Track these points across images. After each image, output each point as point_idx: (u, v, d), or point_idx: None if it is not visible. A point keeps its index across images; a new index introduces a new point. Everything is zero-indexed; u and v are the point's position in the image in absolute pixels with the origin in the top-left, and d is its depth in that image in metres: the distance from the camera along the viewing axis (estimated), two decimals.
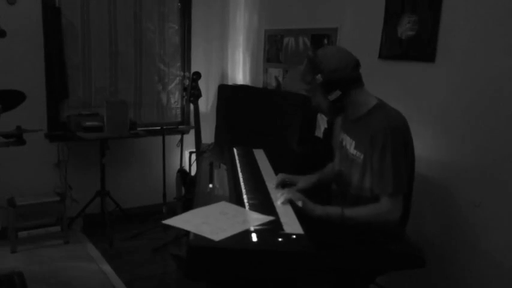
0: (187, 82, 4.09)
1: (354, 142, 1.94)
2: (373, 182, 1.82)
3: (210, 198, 1.88)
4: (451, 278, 2.42)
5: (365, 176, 1.86)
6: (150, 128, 3.96)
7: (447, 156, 2.41)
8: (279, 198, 1.87)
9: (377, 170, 1.79)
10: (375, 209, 1.79)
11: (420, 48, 2.50)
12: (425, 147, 2.50)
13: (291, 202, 1.84)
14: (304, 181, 2.17)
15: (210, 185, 2.04)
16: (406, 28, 2.57)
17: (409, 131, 1.86)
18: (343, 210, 1.81)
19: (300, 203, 1.83)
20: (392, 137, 1.76)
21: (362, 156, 1.86)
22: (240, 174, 2.20)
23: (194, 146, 3.35)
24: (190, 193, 3.37)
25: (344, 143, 2.04)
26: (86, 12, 3.62)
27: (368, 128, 1.84)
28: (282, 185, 2.09)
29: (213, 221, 1.61)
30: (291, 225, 1.63)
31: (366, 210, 1.80)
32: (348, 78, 1.84)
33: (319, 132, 3.13)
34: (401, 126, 1.83)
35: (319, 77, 1.81)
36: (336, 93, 1.83)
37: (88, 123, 3.46)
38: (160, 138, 3.90)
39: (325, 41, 3.16)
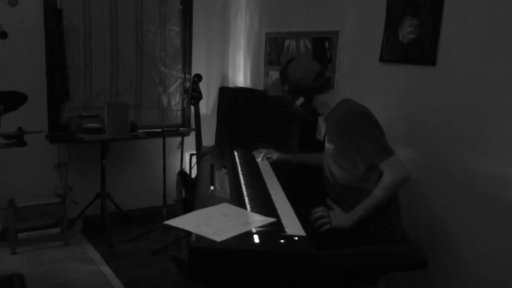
0: (188, 84, 4.09)
1: (327, 137, 2.16)
2: (361, 161, 1.93)
3: (211, 200, 1.88)
4: (452, 281, 2.42)
5: (340, 166, 2.01)
6: (151, 130, 3.96)
7: (447, 159, 2.41)
8: (314, 217, 1.97)
9: (356, 153, 1.92)
10: (383, 182, 1.88)
11: (421, 51, 2.50)
12: (426, 150, 2.51)
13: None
14: (277, 155, 2.59)
15: (211, 187, 2.04)
16: (407, 31, 2.58)
17: (373, 116, 2.00)
18: (354, 213, 1.91)
19: (332, 223, 1.92)
20: (356, 118, 1.94)
21: (332, 146, 2.04)
22: (241, 177, 2.20)
23: (195, 148, 3.34)
24: (190, 195, 3.37)
25: (325, 141, 2.21)
26: (88, 14, 3.63)
27: (333, 120, 2.05)
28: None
29: (215, 222, 1.61)
30: (293, 226, 1.63)
31: (380, 189, 1.89)
32: (310, 86, 2.08)
33: (320, 135, 3.13)
34: (363, 110, 1.99)
35: (285, 87, 2.14)
36: (300, 100, 2.12)
37: (89, 125, 3.46)
38: (160, 140, 3.90)
39: (327, 44, 3.16)
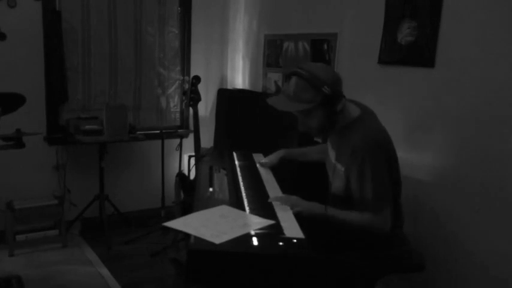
0: (186, 86, 4.09)
1: (335, 153, 1.94)
2: (354, 198, 1.83)
3: (210, 202, 1.88)
4: (450, 282, 2.42)
5: (347, 187, 1.87)
6: (149, 132, 3.96)
7: (446, 161, 2.42)
8: (282, 209, 1.86)
9: (357, 188, 1.80)
10: (359, 218, 1.80)
11: (420, 53, 2.50)
12: (424, 152, 2.51)
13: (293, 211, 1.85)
14: (269, 157, 2.43)
15: (210, 189, 2.04)
16: (405, 33, 2.58)
17: (390, 145, 1.88)
18: (327, 210, 1.83)
19: (298, 208, 1.84)
20: (369, 153, 1.77)
21: (343, 169, 1.87)
22: (240, 179, 2.20)
23: (193, 150, 3.34)
24: (189, 197, 3.36)
25: (329, 153, 2.05)
26: (86, 15, 3.63)
27: (348, 141, 1.83)
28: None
29: (214, 224, 1.60)
30: (292, 229, 1.63)
31: (351, 217, 1.81)
32: (341, 89, 1.84)
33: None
34: (382, 141, 1.83)
35: (325, 88, 1.75)
36: (343, 102, 1.81)
37: (87, 127, 3.46)
38: (159, 142, 3.90)
39: (325, 46, 3.17)
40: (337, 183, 1.93)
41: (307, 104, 1.79)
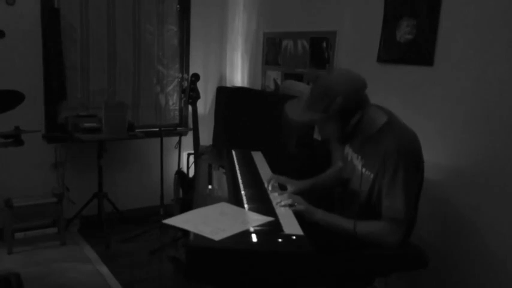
0: (185, 84, 4.10)
1: (363, 161, 1.88)
2: (382, 204, 1.78)
3: (209, 200, 1.88)
4: (451, 280, 2.42)
5: (373, 193, 1.84)
6: (148, 130, 3.96)
7: (446, 159, 2.42)
8: (278, 202, 1.86)
9: (387, 194, 1.76)
10: (376, 228, 1.77)
11: (418, 51, 2.51)
12: (424, 150, 2.50)
13: (290, 207, 1.84)
14: (295, 186, 2.11)
15: (209, 187, 2.04)
16: (404, 32, 2.58)
17: (420, 150, 1.83)
18: (343, 222, 1.80)
19: (301, 207, 1.83)
20: (405, 161, 1.72)
21: (372, 176, 1.82)
22: (239, 176, 2.20)
23: (192, 148, 3.34)
24: (188, 195, 3.37)
25: (350, 158, 2.00)
26: (85, 13, 3.62)
27: (379, 148, 1.77)
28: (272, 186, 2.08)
29: (213, 221, 1.61)
30: (291, 226, 1.63)
31: (367, 228, 1.77)
32: (364, 98, 1.77)
33: (318, 135, 3.14)
34: (413, 148, 1.79)
35: (339, 99, 1.68)
36: (358, 115, 1.73)
37: (86, 125, 3.46)
38: (158, 140, 3.89)
39: (324, 45, 3.17)
40: (364, 190, 1.87)
41: (320, 114, 1.74)
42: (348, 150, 2.04)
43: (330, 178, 2.23)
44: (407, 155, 1.73)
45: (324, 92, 1.73)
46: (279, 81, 3.65)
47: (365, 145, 1.85)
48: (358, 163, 1.93)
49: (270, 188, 2.06)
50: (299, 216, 1.77)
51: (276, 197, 1.93)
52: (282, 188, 2.14)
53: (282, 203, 1.85)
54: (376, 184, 1.81)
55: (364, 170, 1.86)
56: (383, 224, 1.76)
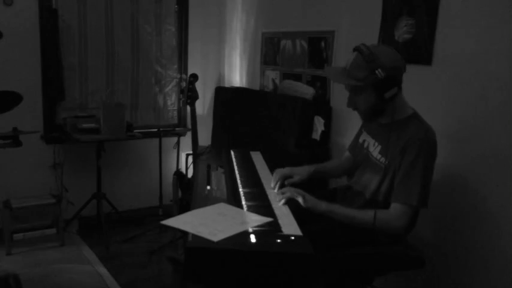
0: (184, 84, 4.09)
1: (380, 147, 1.90)
2: (396, 188, 1.79)
3: (207, 200, 1.88)
4: (448, 280, 2.43)
5: (384, 181, 1.85)
6: (147, 130, 3.95)
7: (443, 158, 2.42)
8: (278, 198, 1.86)
9: (404, 177, 1.76)
10: (382, 213, 1.76)
11: (417, 51, 2.51)
12: None
13: (293, 200, 1.83)
14: (300, 173, 2.11)
15: (208, 187, 2.04)
16: (403, 31, 2.58)
17: (437, 148, 1.85)
18: (354, 212, 1.80)
19: (300, 200, 1.82)
20: (427, 150, 1.76)
21: (386, 162, 1.84)
22: (238, 177, 2.20)
23: (191, 148, 3.34)
24: (186, 195, 3.36)
25: (366, 145, 2.01)
26: (83, 13, 3.62)
27: (402, 136, 1.80)
28: (281, 184, 2.06)
29: (211, 222, 1.60)
30: (290, 226, 1.63)
31: (377, 214, 1.76)
32: (401, 79, 1.79)
33: (316, 135, 3.14)
34: (434, 141, 1.83)
35: (379, 71, 1.71)
36: (393, 91, 1.75)
37: (84, 125, 3.45)
38: (156, 140, 3.89)
39: (323, 44, 3.17)
40: (373, 178, 1.89)
41: (358, 82, 1.78)
42: (366, 137, 2.04)
43: (332, 168, 2.26)
44: (430, 144, 1.78)
45: (366, 61, 1.75)
46: (277, 81, 3.64)
47: (386, 132, 1.86)
48: (373, 149, 1.94)
49: (276, 189, 2.03)
50: (298, 215, 1.77)
51: (277, 193, 1.93)
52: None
53: (283, 199, 1.85)
54: (389, 171, 1.82)
55: (379, 156, 1.88)
56: (392, 208, 1.77)
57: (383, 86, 1.74)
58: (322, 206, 1.82)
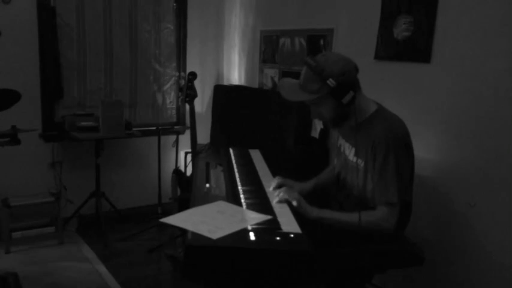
0: (182, 82, 4.09)
1: (354, 149, 1.92)
2: (375, 190, 1.81)
3: (207, 198, 1.88)
4: (447, 277, 2.43)
5: (366, 182, 1.86)
6: (146, 128, 3.95)
7: (442, 156, 2.42)
8: (275, 198, 1.87)
9: (379, 179, 1.79)
10: (370, 216, 1.78)
11: (416, 49, 2.51)
12: (421, 147, 2.51)
13: (287, 202, 1.85)
14: (300, 187, 2.12)
15: (207, 185, 2.04)
16: (402, 29, 2.58)
17: (409, 137, 1.86)
18: (342, 216, 1.81)
19: (295, 203, 1.83)
20: (394, 146, 1.76)
21: (363, 163, 1.85)
22: (237, 175, 2.20)
23: (190, 146, 3.34)
24: (185, 193, 3.36)
25: (342, 149, 2.03)
26: (81, 12, 3.61)
27: (369, 135, 1.82)
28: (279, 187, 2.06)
29: (211, 220, 1.60)
30: (289, 224, 1.63)
31: (366, 217, 1.77)
32: (355, 80, 1.82)
33: (315, 133, 3.14)
34: (403, 134, 1.83)
35: (331, 81, 1.73)
36: (350, 95, 1.76)
37: (83, 124, 3.45)
38: (155, 138, 3.89)
39: (321, 42, 3.16)
40: (355, 180, 1.91)
41: (313, 95, 1.80)
42: (341, 141, 2.05)
43: (329, 176, 2.24)
44: (396, 140, 1.78)
45: (315, 73, 1.77)
46: (276, 79, 3.64)
47: (356, 133, 1.88)
48: (349, 152, 1.96)
49: (271, 189, 2.04)
50: (297, 213, 1.77)
51: (273, 193, 1.93)
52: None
53: (278, 199, 1.85)
54: (368, 171, 1.83)
55: (355, 158, 1.90)
56: (379, 210, 1.79)
57: (338, 93, 1.76)
58: (313, 212, 1.83)
